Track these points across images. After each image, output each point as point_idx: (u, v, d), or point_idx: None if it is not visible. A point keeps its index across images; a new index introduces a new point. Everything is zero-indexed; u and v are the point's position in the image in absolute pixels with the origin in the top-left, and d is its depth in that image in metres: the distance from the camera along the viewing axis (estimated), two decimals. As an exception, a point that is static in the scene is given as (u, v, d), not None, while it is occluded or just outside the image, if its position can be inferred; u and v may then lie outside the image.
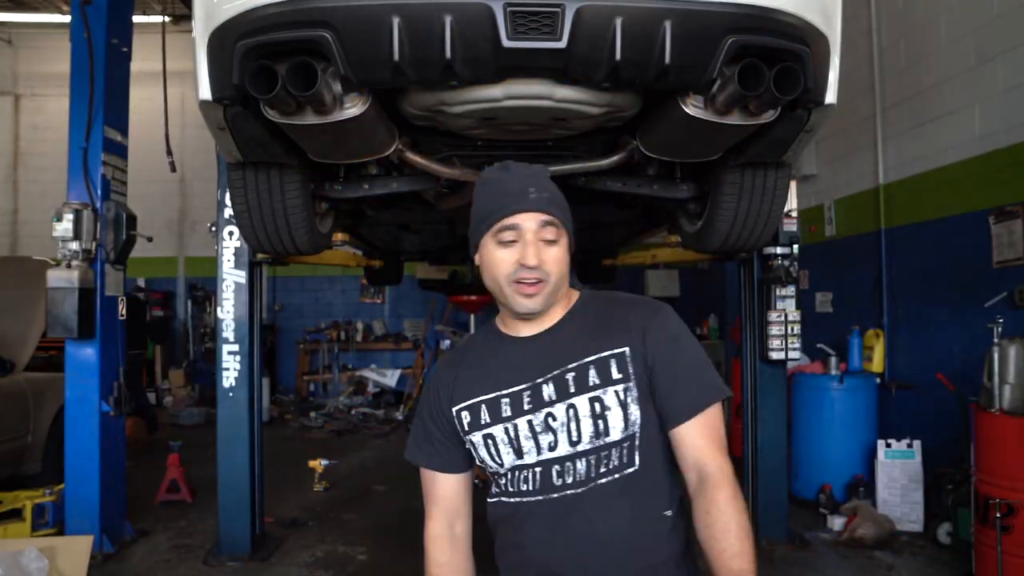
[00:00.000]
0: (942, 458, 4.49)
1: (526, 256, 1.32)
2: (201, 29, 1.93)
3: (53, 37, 9.82)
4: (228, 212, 4.04)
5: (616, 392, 1.33)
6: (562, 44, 1.74)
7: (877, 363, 5.36)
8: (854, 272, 6.06)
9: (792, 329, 4.25)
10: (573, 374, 1.35)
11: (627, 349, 1.36)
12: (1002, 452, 3.31)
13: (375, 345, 10.41)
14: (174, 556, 4.23)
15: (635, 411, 1.33)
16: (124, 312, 4.52)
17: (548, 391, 1.36)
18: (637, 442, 1.33)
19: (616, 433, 1.32)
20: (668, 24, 1.76)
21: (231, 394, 4.20)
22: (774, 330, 4.24)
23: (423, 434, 1.50)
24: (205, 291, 10.37)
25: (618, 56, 1.78)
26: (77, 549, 3.41)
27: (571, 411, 1.33)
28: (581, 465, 1.33)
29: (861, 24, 5.82)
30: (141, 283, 10.15)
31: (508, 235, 1.34)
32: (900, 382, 5.36)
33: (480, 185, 1.43)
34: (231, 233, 4.18)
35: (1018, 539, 3.20)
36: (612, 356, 1.35)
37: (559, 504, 1.33)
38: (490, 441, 1.39)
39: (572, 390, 1.34)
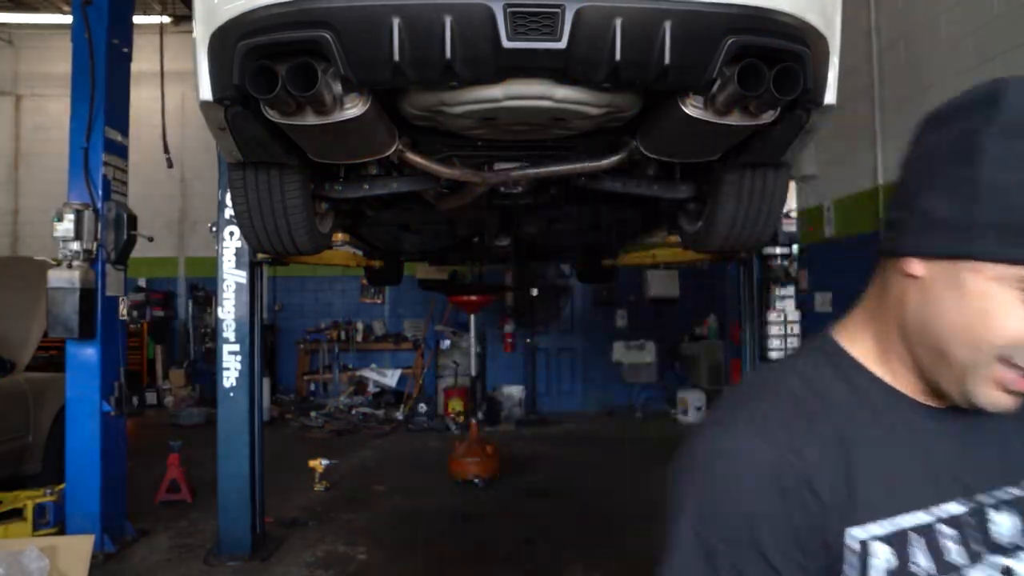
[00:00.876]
0: (942, 458, 4.49)
1: None
2: (202, 29, 1.93)
3: (54, 37, 9.83)
4: (228, 212, 4.05)
5: None
6: (562, 45, 1.75)
7: (877, 363, 5.36)
8: (853, 272, 6.05)
9: (791, 329, 4.26)
10: None
11: None
12: (1002, 452, 3.31)
13: (375, 345, 10.42)
14: (175, 556, 4.24)
15: None
16: (125, 312, 4.53)
17: (1003, 524, 0.79)
18: None
19: None
20: (668, 24, 1.76)
21: (231, 394, 4.21)
22: (773, 330, 4.25)
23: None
24: (206, 291, 10.38)
25: (618, 56, 1.78)
26: (78, 549, 3.41)
27: None
28: None
29: (861, 24, 5.83)
30: (142, 283, 10.17)
31: None
32: (900, 382, 5.36)
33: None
34: (232, 233, 4.18)
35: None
36: None
37: None
38: None
39: None
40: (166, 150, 4.84)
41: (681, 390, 9.22)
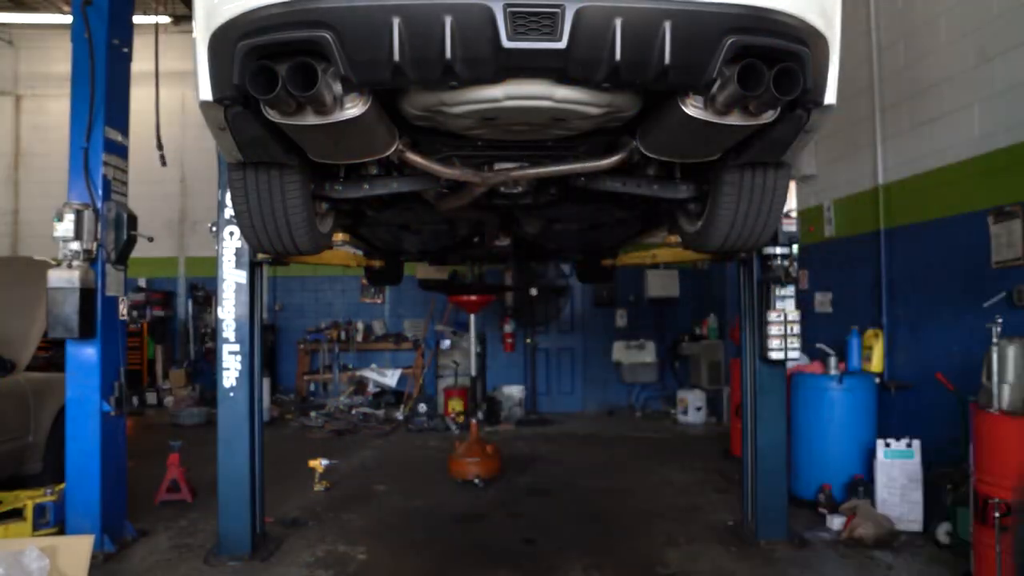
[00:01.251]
0: (941, 458, 4.49)
1: None
2: (202, 29, 1.93)
3: (54, 37, 9.84)
4: (228, 212, 4.05)
5: None
6: (562, 45, 1.75)
7: (876, 363, 5.37)
8: (853, 272, 6.06)
9: (791, 329, 4.26)
10: None
11: None
12: (1001, 452, 3.31)
13: (375, 345, 10.42)
14: (175, 556, 4.24)
15: None
16: (125, 312, 4.53)
17: None
18: None
19: None
20: (668, 25, 1.76)
21: (232, 394, 4.21)
22: (773, 330, 4.25)
23: None
24: (206, 291, 10.40)
25: (618, 56, 1.78)
26: (78, 549, 3.40)
27: None
28: None
29: (861, 24, 5.83)
30: (142, 283, 10.18)
31: None
32: (899, 382, 5.37)
33: None
34: (232, 233, 4.18)
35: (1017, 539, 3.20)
36: None
37: None
38: None
39: None
40: (160, 147, 4.83)
41: (681, 390, 9.22)
